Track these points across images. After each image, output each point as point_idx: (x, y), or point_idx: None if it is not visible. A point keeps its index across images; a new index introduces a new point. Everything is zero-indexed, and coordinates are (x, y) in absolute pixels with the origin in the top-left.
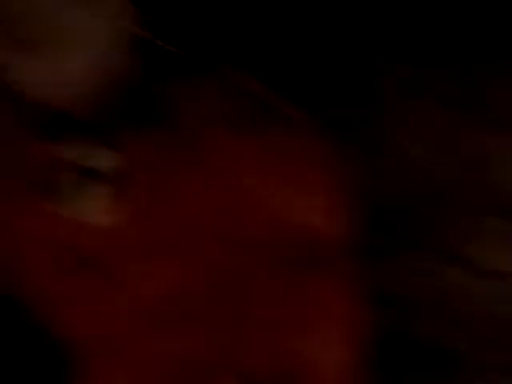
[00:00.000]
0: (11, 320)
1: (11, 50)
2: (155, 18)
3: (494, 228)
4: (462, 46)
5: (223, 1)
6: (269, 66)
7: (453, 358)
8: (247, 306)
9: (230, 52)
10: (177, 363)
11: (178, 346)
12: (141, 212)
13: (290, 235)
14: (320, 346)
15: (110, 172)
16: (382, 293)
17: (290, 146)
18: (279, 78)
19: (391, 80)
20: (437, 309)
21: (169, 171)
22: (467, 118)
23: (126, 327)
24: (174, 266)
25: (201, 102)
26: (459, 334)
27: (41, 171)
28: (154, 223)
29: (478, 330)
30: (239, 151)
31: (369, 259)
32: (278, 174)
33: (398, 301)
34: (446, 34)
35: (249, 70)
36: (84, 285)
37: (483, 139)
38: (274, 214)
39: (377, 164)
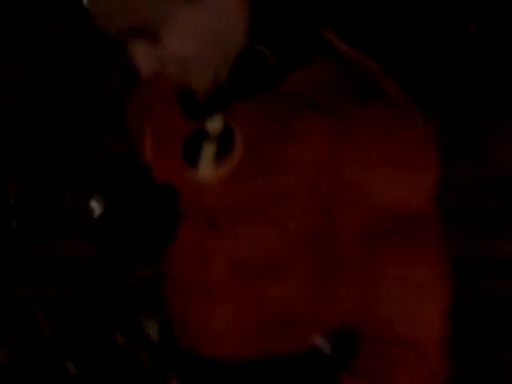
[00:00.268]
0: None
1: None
2: None
3: None
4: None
5: None
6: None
7: None
8: (338, 267)
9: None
10: (271, 310)
11: (274, 296)
12: (243, 168)
13: (386, 209)
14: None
15: (217, 133)
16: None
17: (390, 121)
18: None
19: None
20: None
21: (268, 140)
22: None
23: (228, 275)
24: (273, 226)
25: (307, 75)
26: None
27: (186, 142)
28: (257, 180)
29: None
30: (340, 125)
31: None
32: (379, 148)
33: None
34: (436, 80)
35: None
36: (192, 232)
37: None
38: (371, 189)
39: None
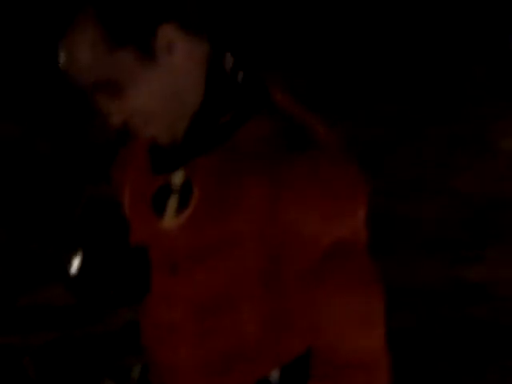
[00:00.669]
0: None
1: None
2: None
3: None
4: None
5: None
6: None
7: None
8: (287, 303)
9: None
10: (228, 346)
11: (230, 332)
12: (200, 217)
13: (321, 246)
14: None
15: (179, 186)
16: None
17: (320, 168)
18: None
19: None
20: None
21: (218, 191)
22: None
23: (189, 316)
24: (225, 269)
25: (252, 132)
26: None
27: (155, 195)
28: (209, 227)
29: None
30: (276, 176)
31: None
32: (309, 193)
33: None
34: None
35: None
36: (158, 275)
37: None
38: (306, 229)
39: None
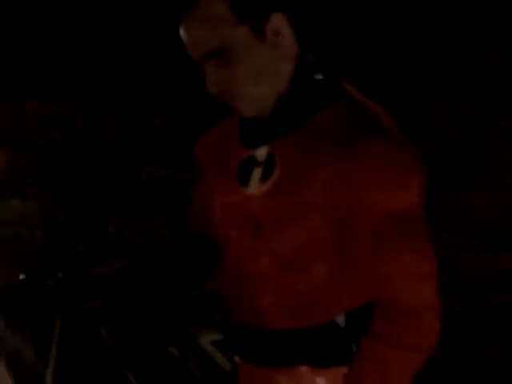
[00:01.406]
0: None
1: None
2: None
3: None
4: None
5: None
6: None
7: None
8: (353, 259)
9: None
10: (301, 293)
11: (304, 282)
12: (281, 186)
13: (384, 213)
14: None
15: (263, 160)
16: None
17: (386, 149)
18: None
19: None
20: None
21: (299, 163)
22: None
23: (272, 267)
24: (302, 230)
25: (329, 115)
26: None
27: (241, 165)
28: (290, 194)
29: None
30: (349, 154)
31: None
32: (377, 169)
33: None
34: None
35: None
36: (243, 234)
37: None
38: (372, 199)
39: None
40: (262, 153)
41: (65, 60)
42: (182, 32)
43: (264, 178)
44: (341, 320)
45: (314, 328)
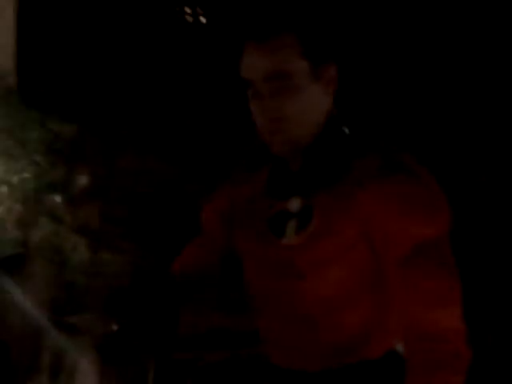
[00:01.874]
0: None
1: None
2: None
3: None
4: None
5: None
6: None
7: None
8: (389, 289)
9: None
10: (347, 334)
11: (350, 321)
12: (320, 234)
13: (415, 241)
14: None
15: (298, 211)
16: None
17: (413, 186)
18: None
19: None
20: None
21: (335, 210)
22: None
23: (317, 308)
24: (344, 270)
25: (365, 166)
26: None
27: (272, 217)
28: (324, 243)
29: None
30: (379, 193)
31: None
32: (406, 205)
33: None
34: None
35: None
36: (284, 282)
37: None
38: (403, 230)
39: None
40: (295, 204)
41: (157, 117)
42: (246, 54)
43: (300, 228)
44: (400, 348)
45: (372, 361)
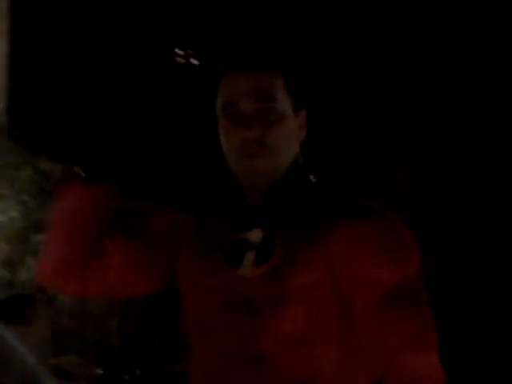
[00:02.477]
0: None
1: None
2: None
3: None
4: None
5: None
6: None
7: None
8: (357, 333)
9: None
10: (307, 373)
11: (310, 360)
12: (281, 268)
13: (386, 286)
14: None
15: (258, 242)
16: None
17: (384, 230)
18: None
19: None
20: None
21: (300, 246)
22: None
23: (272, 346)
24: (305, 308)
25: (334, 208)
26: None
27: (229, 247)
28: (292, 277)
29: None
30: (349, 234)
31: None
32: (379, 248)
33: None
34: None
35: None
36: (235, 315)
37: None
38: (374, 274)
39: None
40: (255, 235)
41: (143, 157)
42: (230, 79)
43: (259, 260)
44: None
45: None
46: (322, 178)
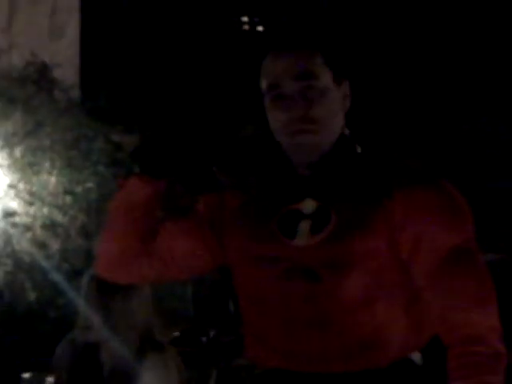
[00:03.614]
0: None
1: None
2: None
3: None
4: None
5: None
6: None
7: None
8: (418, 296)
9: None
10: (365, 334)
11: (366, 322)
12: (337, 236)
13: (445, 248)
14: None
15: (312, 212)
16: None
17: (442, 195)
18: None
19: None
20: None
21: (357, 215)
22: None
23: (333, 311)
24: (365, 276)
25: (389, 176)
26: None
27: (282, 219)
28: (350, 242)
29: None
30: (408, 198)
31: None
32: (436, 213)
33: None
34: None
35: None
36: (295, 284)
37: None
38: (432, 236)
39: None
40: (309, 206)
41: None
42: (272, 61)
43: (315, 229)
44: (416, 357)
45: (385, 368)
46: (367, 148)
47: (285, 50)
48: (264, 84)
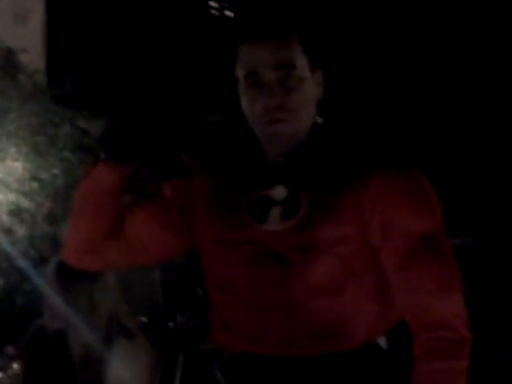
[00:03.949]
0: None
1: None
2: None
3: None
4: None
5: None
6: None
7: None
8: (386, 282)
9: None
10: (332, 317)
11: (333, 305)
12: (308, 222)
13: (412, 234)
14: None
15: (283, 199)
16: None
17: (411, 186)
18: None
19: None
20: None
21: (327, 201)
22: None
23: (304, 295)
24: (335, 260)
25: (359, 163)
26: None
27: (252, 204)
28: (321, 228)
29: None
30: (384, 192)
31: None
32: (405, 197)
33: None
34: None
35: None
36: (264, 270)
37: None
38: (400, 222)
39: None
40: (279, 192)
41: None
42: (249, 48)
43: (286, 214)
44: (382, 342)
45: (350, 352)
46: (341, 135)
47: (264, 37)
48: (241, 72)
